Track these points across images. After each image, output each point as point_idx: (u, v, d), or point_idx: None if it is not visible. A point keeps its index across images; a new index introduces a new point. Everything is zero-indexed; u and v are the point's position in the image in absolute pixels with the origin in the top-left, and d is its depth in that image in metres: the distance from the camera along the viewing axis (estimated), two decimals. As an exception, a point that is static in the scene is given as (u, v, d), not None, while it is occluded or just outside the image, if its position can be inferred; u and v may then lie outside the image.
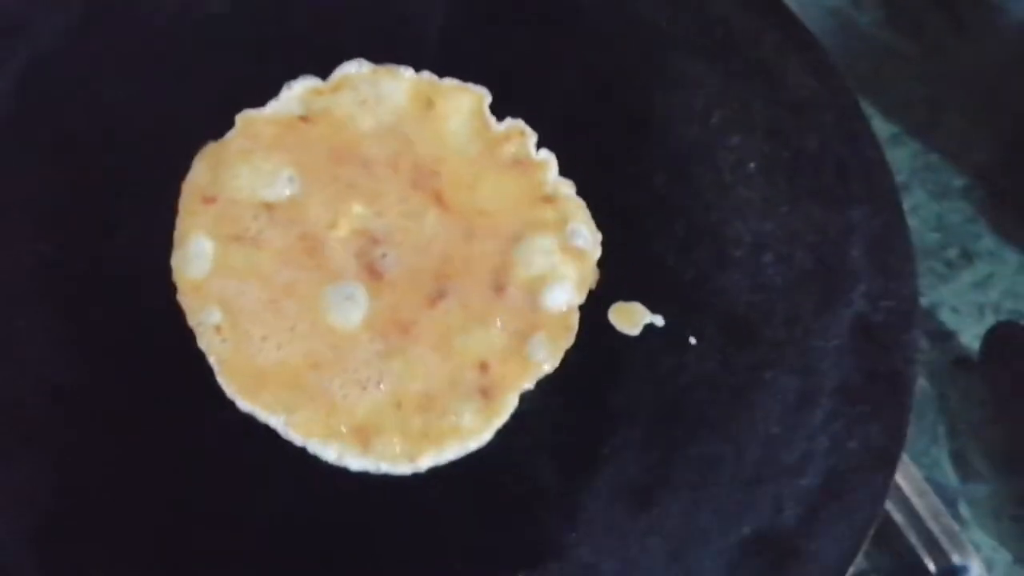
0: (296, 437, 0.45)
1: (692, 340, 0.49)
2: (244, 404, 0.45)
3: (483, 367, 0.47)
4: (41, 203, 0.49)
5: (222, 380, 0.46)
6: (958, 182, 0.69)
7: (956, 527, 0.56)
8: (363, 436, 0.45)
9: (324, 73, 0.53)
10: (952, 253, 0.67)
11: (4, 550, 0.41)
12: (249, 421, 0.45)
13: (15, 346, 0.45)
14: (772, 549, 0.45)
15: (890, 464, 0.48)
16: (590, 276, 0.50)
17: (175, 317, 0.47)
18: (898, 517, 0.58)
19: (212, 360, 0.46)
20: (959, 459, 0.62)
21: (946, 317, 0.65)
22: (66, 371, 0.45)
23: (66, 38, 0.52)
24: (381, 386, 0.46)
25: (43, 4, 0.52)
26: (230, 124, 0.51)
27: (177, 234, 0.49)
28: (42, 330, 0.46)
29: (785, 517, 0.46)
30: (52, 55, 0.52)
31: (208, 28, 0.54)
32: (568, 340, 0.49)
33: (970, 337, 0.64)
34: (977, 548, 0.60)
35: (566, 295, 0.49)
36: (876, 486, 0.47)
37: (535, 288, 0.49)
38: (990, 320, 0.66)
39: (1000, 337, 0.63)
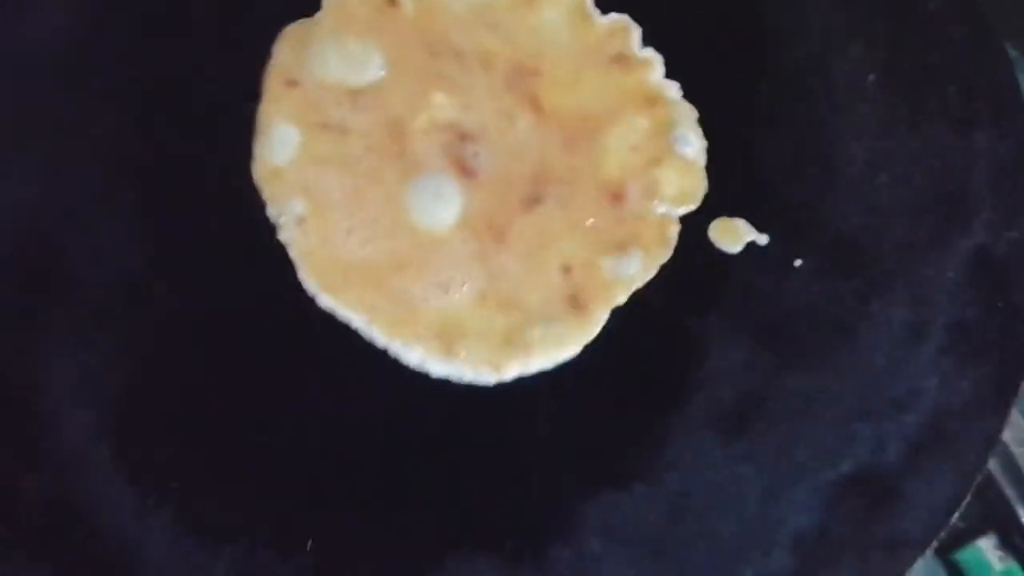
0: (378, 338, 0.43)
1: (797, 263, 0.46)
2: (326, 300, 0.43)
3: (575, 277, 0.45)
4: (122, 92, 0.46)
5: (303, 275, 0.44)
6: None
7: (1054, 479, 0.53)
8: (447, 341, 0.43)
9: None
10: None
11: (76, 441, 0.40)
12: (329, 319, 0.43)
13: (96, 234, 0.44)
14: (871, 489, 0.43)
15: (1003, 408, 0.45)
16: (693, 187, 0.47)
17: (256, 206, 0.45)
18: (993, 465, 0.55)
19: (294, 253, 0.44)
20: (1059, 406, 0.58)
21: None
22: (144, 260, 0.43)
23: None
24: (465, 288, 0.44)
25: None
26: (315, 5, 0.48)
27: (259, 120, 0.46)
28: (122, 219, 0.44)
29: (887, 456, 0.43)
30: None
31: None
32: (665, 254, 0.46)
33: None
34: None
35: (666, 205, 0.46)
36: (986, 430, 0.44)
37: (635, 196, 0.46)
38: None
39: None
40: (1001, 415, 0.44)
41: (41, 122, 0.45)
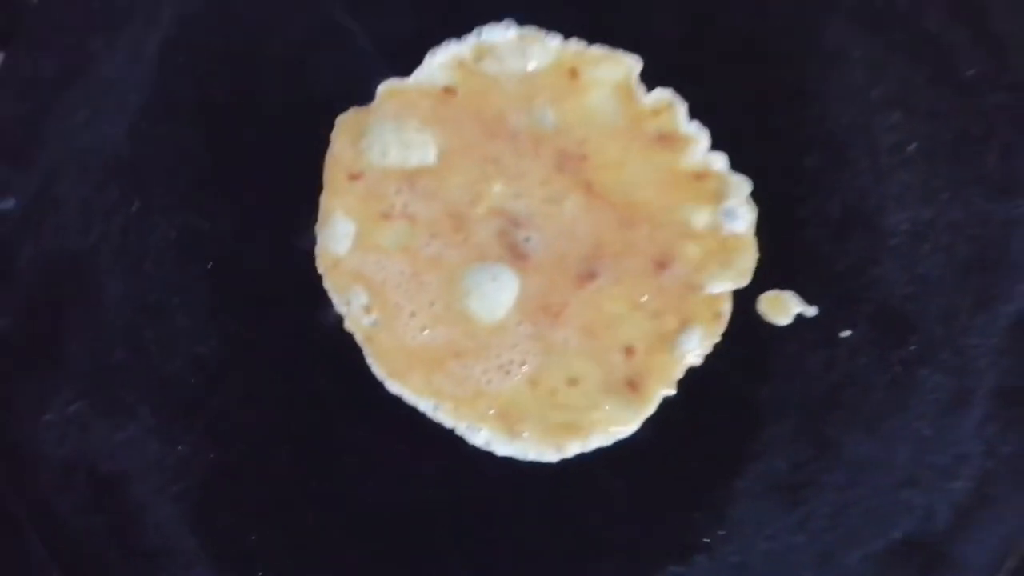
0: (445, 420, 0.45)
1: (844, 333, 0.48)
2: (393, 386, 0.45)
3: (631, 354, 0.46)
4: (189, 171, 0.48)
5: (371, 361, 0.45)
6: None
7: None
8: (509, 422, 0.45)
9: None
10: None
11: (166, 532, 0.42)
12: (398, 402, 0.45)
13: (173, 328, 0.45)
14: (922, 554, 0.45)
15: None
16: (744, 263, 0.48)
17: (322, 295, 0.46)
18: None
19: (359, 340, 0.46)
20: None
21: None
22: (218, 351, 0.45)
23: (207, 7, 0.50)
24: (524, 368, 0.46)
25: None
26: (371, 95, 0.50)
27: (321, 211, 0.48)
28: (196, 313, 0.46)
29: (935, 522, 0.45)
30: (194, 24, 0.50)
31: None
32: (719, 329, 0.47)
33: None
34: None
35: (718, 282, 0.48)
36: (1028, 500, 0.45)
37: (688, 275, 0.48)
38: None
39: None
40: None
41: (115, 217, 0.46)
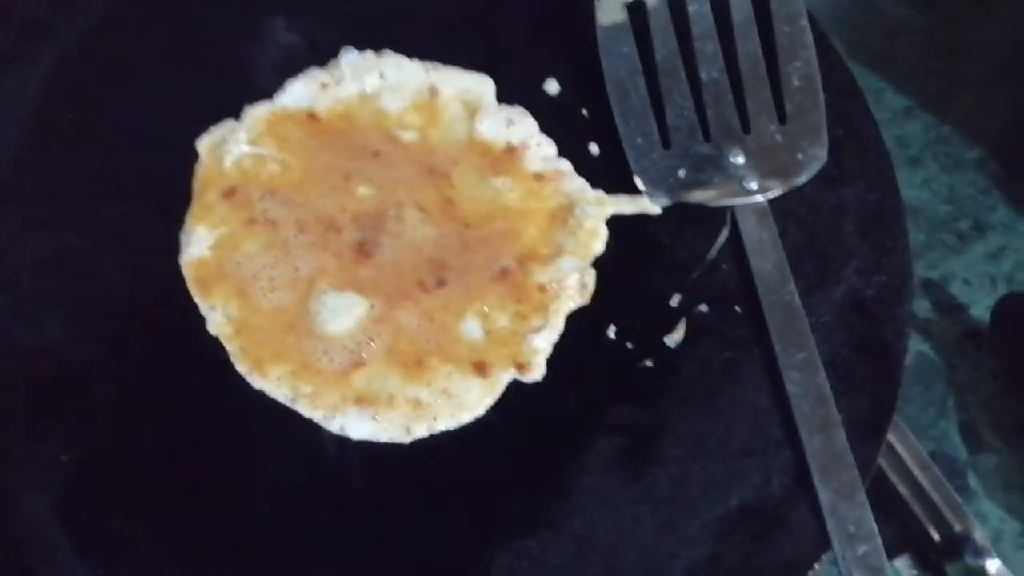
0: (303, 410, 0.47)
1: (683, 320, 0.51)
2: (255, 381, 0.48)
3: (479, 343, 0.49)
4: (67, 196, 0.51)
5: (233, 359, 0.48)
6: (971, 154, 0.69)
7: (959, 499, 0.57)
8: (360, 407, 0.48)
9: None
10: (964, 225, 0.67)
11: (34, 522, 0.44)
12: (261, 397, 0.48)
13: (45, 333, 0.48)
14: (758, 519, 0.47)
15: (878, 437, 0.49)
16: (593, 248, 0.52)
17: (186, 301, 0.50)
18: (903, 490, 0.59)
19: (223, 339, 0.49)
20: (968, 431, 0.63)
21: (957, 289, 0.65)
22: (88, 357, 0.48)
23: (82, 53, 0.55)
24: (374, 346, 0.49)
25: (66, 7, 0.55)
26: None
27: (187, 221, 0.51)
28: (66, 318, 0.49)
29: (772, 488, 0.47)
30: (70, 67, 0.55)
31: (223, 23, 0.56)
32: (558, 323, 0.50)
33: (981, 309, 0.65)
34: (985, 519, 0.61)
35: (569, 272, 0.51)
36: (864, 459, 0.48)
37: (537, 271, 0.51)
38: (1002, 291, 0.66)
39: (1010, 308, 0.63)
40: (876, 445, 0.48)
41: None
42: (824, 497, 0.46)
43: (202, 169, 0.53)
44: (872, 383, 0.50)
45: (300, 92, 0.55)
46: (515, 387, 0.49)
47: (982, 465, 0.62)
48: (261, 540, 0.46)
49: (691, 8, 0.56)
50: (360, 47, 0.56)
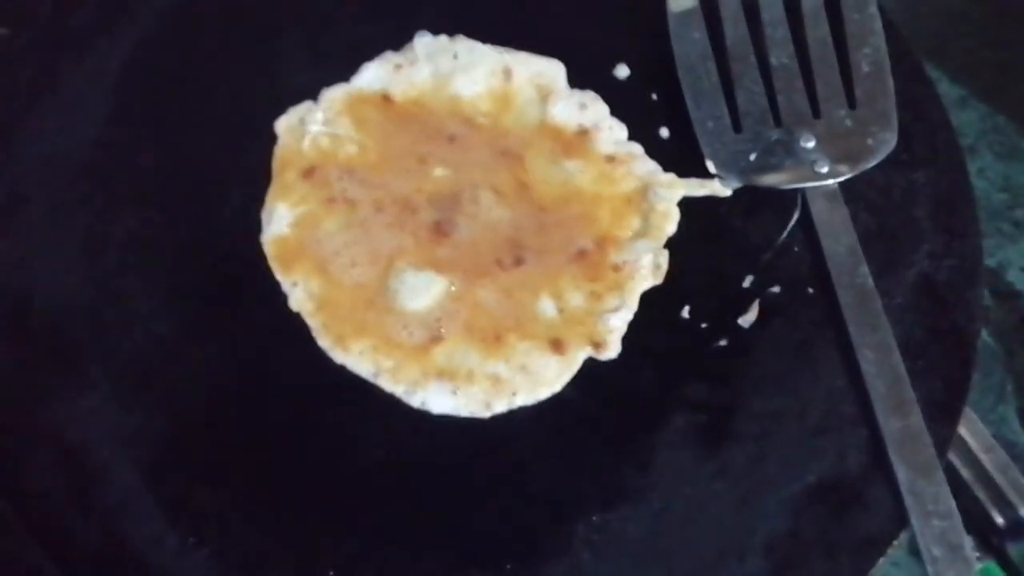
0: (385, 384, 0.48)
1: (756, 301, 0.51)
2: (337, 355, 0.49)
3: (556, 317, 0.50)
4: (149, 173, 0.52)
5: (315, 334, 0.49)
6: (1026, 144, 0.69)
7: (1023, 480, 0.57)
8: (441, 381, 0.48)
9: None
10: (1020, 214, 0.67)
11: (125, 491, 0.45)
12: (342, 371, 0.49)
13: (132, 307, 0.49)
14: (835, 495, 0.47)
15: (952, 417, 0.49)
16: (666, 230, 0.52)
17: (267, 277, 0.50)
18: (966, 473, 0.60)
19: (305, 315, 0.49)
20: (1027, 417, 0.63)
21: (1014, 277, 0.66)
22: (174, 329, 0.49)
23: (162, 32, 0.56)
24: (454, 325, 0.49)
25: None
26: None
27: (268, 200, 0.52)
28: (153, 293, 0.50)
29: (848, 465, 0.48)
30: (150, 46, 0.56)
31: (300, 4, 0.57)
32: (634, 300, 0.51)
33: (1038, 297, 0.65)
34: (1046, 503, 0.61)
35: (644, 253, 0.52)
36: (939, 439, 0.48)
37: (613, 252, 0.52)
38: (1058, 280, 0.66)
39: (1068, 297, 0.63)
40: (951, 425, 0.49)
41: (80, 214, 0.51)
42: (902, 475, 0.47)
43: (281, 149, 0.54)
44: (945, 365, 0.50)
45: (375, 74, 0.56)
46: (591, 364, 0.50)
47: (1041, 450, 0.62)
48: (343, 512, 0.46)
49: (761, -6, 0.57)
50: (434, 32, 0.56)
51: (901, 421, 0.48)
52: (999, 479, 0.58)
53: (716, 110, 0.55)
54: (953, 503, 0.46)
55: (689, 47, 0.56)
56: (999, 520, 0.58)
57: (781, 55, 0.56)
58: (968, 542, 0.45)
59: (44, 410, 0.47)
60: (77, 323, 0.49)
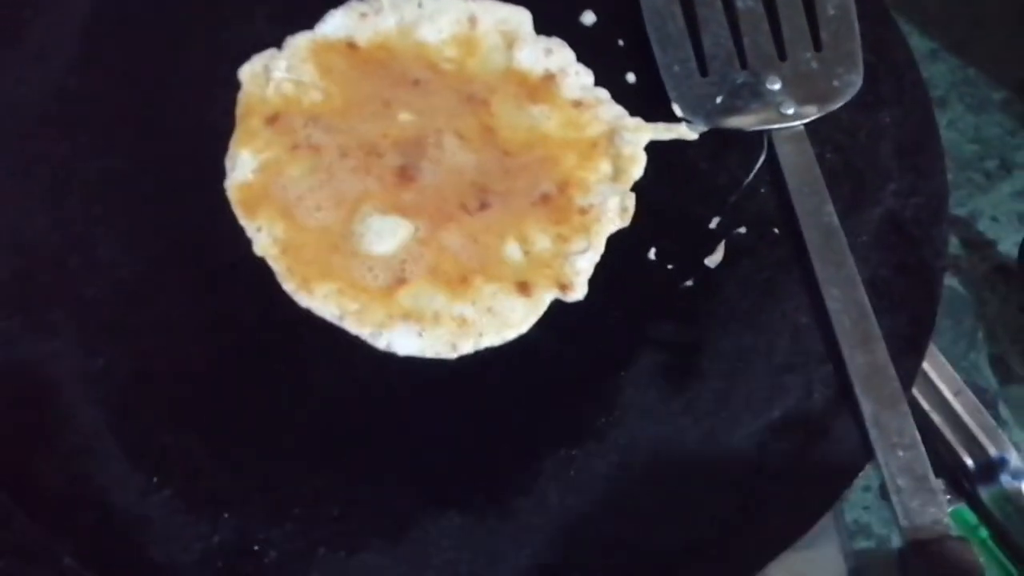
0: (350, 327, 0.48)
1: (722, 242, 0.51)
2: (303, 300, 0.49)
3: (522, 260, 0.50)
4: (112, 122, 0.52)
5: (280, 279, 0.49)
6: (996, 95, 0.69)
7: (993, 423, 0.58)
8: (407, 323, 0.48)
9: (368, -3, 0.56)
10: (991, 164, 0.68)
11: (88, 433, 0.45)
12: (308, 315, 0.49)
13: (95, 253, 0.49)
14: (801, 430, 0.47)
15: (918, 351, 0.49)
16: (633, 173, 0.53)
17: (231, 223, 0.50)
18: (936, 417, 0.60)
19: (269, 260, 0.49)
20: (998, 363, 0.63)
21: (985, 226, 0.66)
22: (137, 275, 0.49)
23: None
24: (419, 267, 0.49)
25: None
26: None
27: (231, 148, 0.52)
28: (116, 239, 0.49)
29: (814, 401, 0.48)
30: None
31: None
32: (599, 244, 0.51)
33: (1009, 245, 0.65)
34: (1017, 448, 0.61)
35: (610, 196, 0.52)
36: (906, 372, 0.48)
37: (579, 196, 0.52)
38: (1029, 229, 0.66)
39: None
40: (917, 358, 0.49)
41: (44, 162, 0.51)
42: (867, 408, 0.47)
43: (244, 96, 0.53)
44: (912, 300, 0.50)
45: (339, 22, 0.55)
46: (558, 306, 0.50)
47: (1013, 396, 0.62)
48: (309, 452, 0.46)
49: (727, -62, 0.56)
50: (399, -21, 0.56)
51: (866, 356, 0.48)
52: (969, 422, 0.58)
53: (682, 54, 0.55)
54: (917, 434, 0.46)
55: (655, -9, 0.56)
56: (969, 463, 0.58)
57: (747, -1, 0.56)
58: (932, 471, 0.45)
59: (8, 354, 0.46)
60: (41, 269, 0.48)
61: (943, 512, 0.45)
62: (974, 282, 0.65)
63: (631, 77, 0.56)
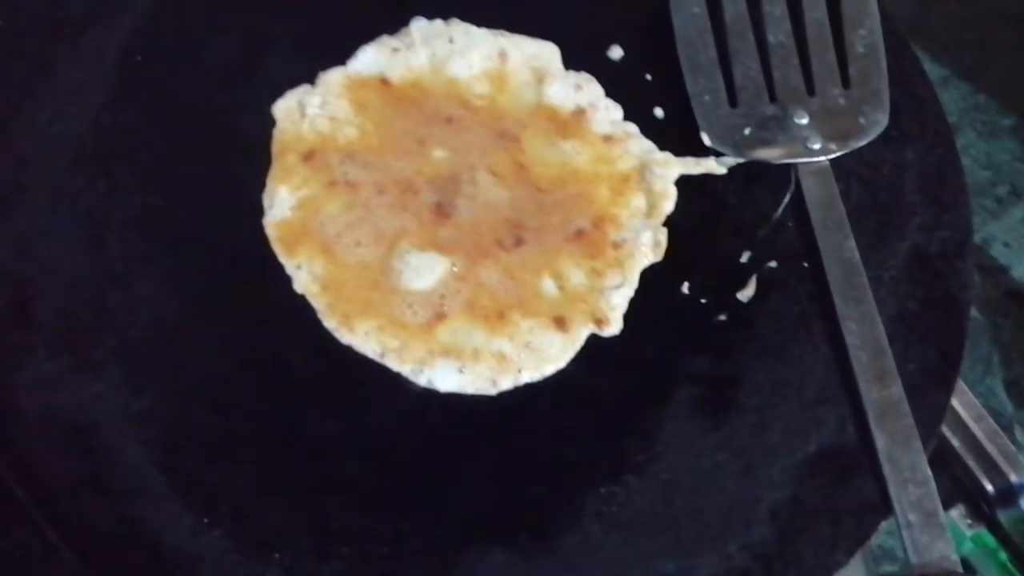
0: (392, 364, 0.49)
1: (754, 276, 0.52)
2: (343, 336, 0.49)
3: (558, 294, 0.51)
4: (148, 158, 0.52)
5: (321, 316, 0.49)
6: (1007, 122, 0.71)
7: (1013, 448, 0.59)
8: (447, 359, 0.49)
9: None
10: (1002, 190, 0.69)
11: (136, 474, 0.45)
12: (349, 351, 0.49)
13: (136, 292, 0.49)
14: (836, 463, 0.48)
15: (947, 384, 0.50)
16: (664, 208, 0.53)
17: (270, 261, 0.51)
18: (956, 442, 0.61)
19: (309, 297, 0.50)
20: (1013, 387, 0.64)
21: (998, 252, 0.67)
22: (179, 313, 0.49)
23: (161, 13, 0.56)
24: (458, 303, 0.50)
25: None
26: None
27: (269, 183, 0.52)
28: (157, 278, 0.50)
29: (847, 433, 0.49)
30: (150, 28, 0.56)
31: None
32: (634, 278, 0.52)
33: (1022, 271, 0.66)
34: (1034, 473, 0.63)
35: (643, 232, 0.52)
36: (934, 405, 0.49)
37: (613, 231, 0.52)
38: (1041, 254, 0.68)
39: (1051, 270, 0.65)
40: (946, 392, 0.50)
41: (83, 200, 0.51)
42: (880, 443, 0.48)
43: (280, 133, 0.54)
44: (939, 333, 0.51)
45: (372, 58, 0.56)
46: (595, 341, 0.50)
47: (1027, 420, 0.64)
48: (355, 490, 0.47)
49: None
50: (429, 16, 0.57)
51: (881, 392, 0.49)
52: (989, 447, 0.59)
53: (713, 84, 0.56)
54: (929, 471, 0.47)
55: (688, 22, 0.57)
56: (989, 488, 0.59)
57: (778, 33, 0.57)
58: (941, 509, 0.46)
59: (53, 396, 0.47)
60: (82, 308, 0.49)
61: (950, 549, 0.45)
62: (989, 307, 0.66)
63: (659, 112, 0.57)
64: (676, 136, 0.56)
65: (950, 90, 0.71)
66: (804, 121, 0.55)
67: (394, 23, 0.57)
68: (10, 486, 0.44)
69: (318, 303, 0.50)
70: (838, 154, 0.55)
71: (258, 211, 0.52)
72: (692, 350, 0.51)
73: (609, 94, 0.57)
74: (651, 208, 0.54)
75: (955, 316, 0.52)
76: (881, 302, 0.51)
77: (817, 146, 0.54)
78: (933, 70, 0.72)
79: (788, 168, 0.55)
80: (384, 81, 0.56)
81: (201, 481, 0.46)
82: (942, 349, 0.51)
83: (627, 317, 0.51)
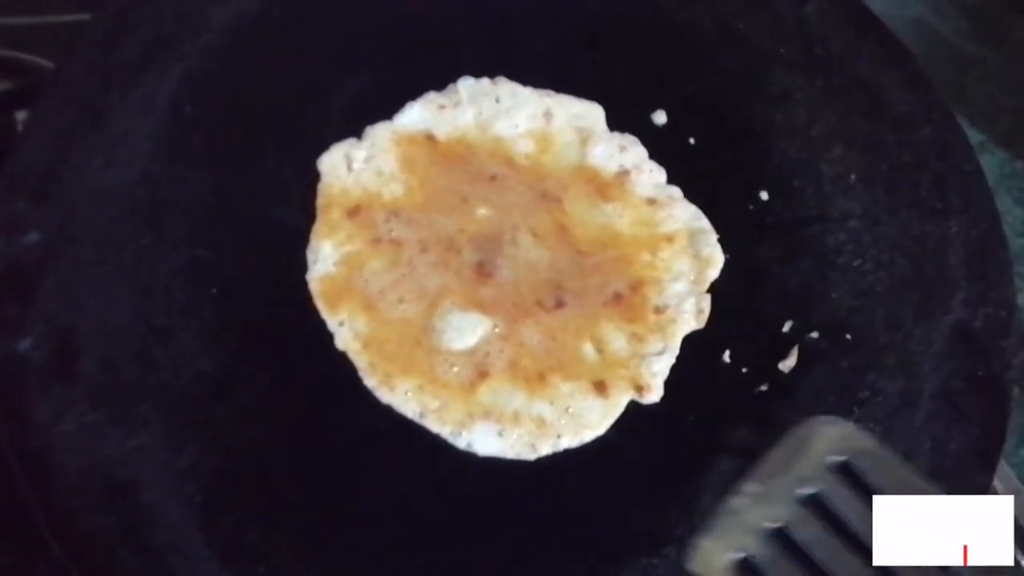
0: (431, 425, 0.48)
1: (796, 346, 0.52)
2: (383, 395, 0.49)
3: (598, 359, 0.51)
4: (195, 210, 0.52)
5: (362, 373, 0.49)
6: (1045, 189, 0.71)
7: (1051, 525, 0.58)
8: (487, 422, 0.49)
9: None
10: (1040, 259, 0.69)
11: (176, 531, 0.45)
12: (388, 411, 0.49)
13: (173, 340, 0.49)
14: (876, 543, 0.48)
15: (990, 465, 0.50)
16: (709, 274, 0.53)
17: (313, 316, 0.51)
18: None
19: (351, 354, 0.50)
20: (1047, 459, 0.64)
21: (1034, 322, 0.67)
22: (221, 368, 0.49)
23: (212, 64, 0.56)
24: (499, 363, 0.50)
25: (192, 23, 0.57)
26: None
27: (312, 238, 0.52)
28: (200, 332, 0.49)
29: (889, 512, 0.48)
30: (199, 80, 0.56)
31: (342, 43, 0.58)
32: (675, 344, 0.52)
33: (1057, 341, 0.66)
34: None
35: (685, 296, 0.52)
36: (977, 487, 0.49)
37: (653, 298, 0.52)
38: (1078, 325, 0.67)
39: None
40: (988, 472, 0.50)
41: (129, 250, 0.51)
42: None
43: (325, 187, 0.54)
44: (982, 413, 0.51)
45: (418, 115, 0.56)
46: (635, 407, 0.50)
47: (1063, 494, 0.63)
48: (392, 552, 0.46)
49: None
50: (476, 75, 0.57)
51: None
52: (1025, 522, 0.58)
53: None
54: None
55: None
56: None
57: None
58: None
59: (94, 449, 0.46)
60: (125, 361, 0.48)
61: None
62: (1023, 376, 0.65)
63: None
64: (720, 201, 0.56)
65: (986, 156, 0.71)
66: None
67: (441, 80, 0.57)
68: (48, 542, 0.44)
69: (360, 361, 0.50)
70: (881, 225, 0.55)
71: (302, 266, 0.52)
72: (733, 420, 0.50)
73: (653, 157, 0.57)
74: (696, 274, 0.54)
75: (998, 396, 0.51)
76: (924, 378, 0.51)
77: (861, 217, 0.54)
78: (971, 135, 0.72)
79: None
80: (430, 137, 0.56)
81: (240, 540, 0.45)
82: (985, 429, 0.51)
83: (667, 384, 0.51)
